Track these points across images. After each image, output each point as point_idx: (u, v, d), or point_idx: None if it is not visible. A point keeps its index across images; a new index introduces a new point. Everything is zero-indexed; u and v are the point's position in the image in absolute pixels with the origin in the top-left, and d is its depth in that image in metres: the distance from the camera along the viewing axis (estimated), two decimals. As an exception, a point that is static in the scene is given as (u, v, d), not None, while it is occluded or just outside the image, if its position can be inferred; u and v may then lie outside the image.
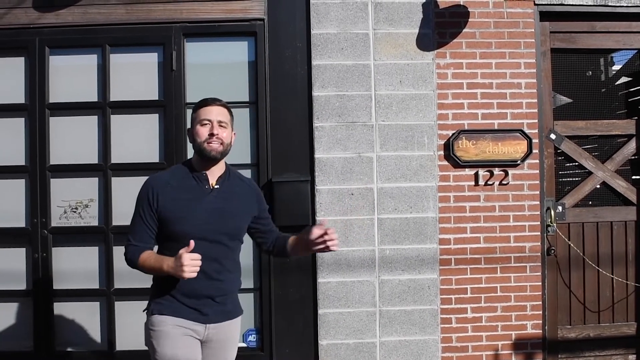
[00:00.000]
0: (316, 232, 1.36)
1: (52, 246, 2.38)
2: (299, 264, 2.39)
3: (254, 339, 2.45)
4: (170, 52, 2.40)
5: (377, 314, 2.39)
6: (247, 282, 2.42)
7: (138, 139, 2.43)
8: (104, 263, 2.41)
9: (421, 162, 2.41)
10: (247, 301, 2.44)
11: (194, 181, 1.39)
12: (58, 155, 2.41)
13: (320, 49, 2.42)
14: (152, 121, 2.43)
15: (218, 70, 2.50)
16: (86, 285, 2.41)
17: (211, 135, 1.35)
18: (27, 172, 2.39)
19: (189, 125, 2.07)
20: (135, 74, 2.45)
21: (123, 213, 2.35)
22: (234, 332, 1.49)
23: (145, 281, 2.16)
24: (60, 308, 2.42)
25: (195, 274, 1.27)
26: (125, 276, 2.37)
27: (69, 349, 2.40)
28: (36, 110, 2.39)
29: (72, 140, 2.41)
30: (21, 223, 2.39)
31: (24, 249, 2.41)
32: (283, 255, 1.57)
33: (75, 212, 2.41)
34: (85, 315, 2.43)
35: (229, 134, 1.41)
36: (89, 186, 2.40)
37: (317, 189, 2.39)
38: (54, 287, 2.39)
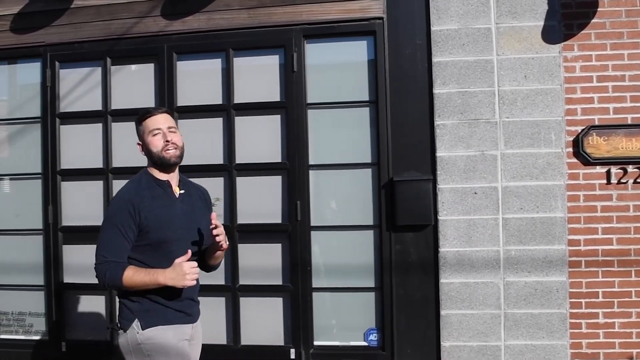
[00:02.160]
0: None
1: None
2: (421, 263, 3.43)
3: (375, 338, 3.53)
4: (291, 54, 3.54)
5: (501, 316, 3.39)
6: (368, 281, 3.52)
7: (261, 139, 3.48)
8: (229, 260, 3.49)
9: (548, 159, 3.37)
10: (367, 300, 3.53)
11: (160, 189, 1.94)
12: (185, 156, 3.64)
13: (440, 45, 3.47)
14: (274, 122, 3.52)
15: (337, 70, 3.58)
16: (212, 281, 3.62)
17: (167, 142, 1.92)
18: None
19: (310, 126, 3.27)
20: (258, 76, 3.54)
21: (248, 211, 3.55)
22: (200, 330, 2.12)
23: (266, 278, 3.37)
24: None
25: (195, 282, 1.83)
26: (251, 273, 3.58)
27: (195, 343, 3.64)
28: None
29: (199, 141, 3.48)
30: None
31: (154, 246, 3.70)
32: (204, 267, 2.16)
33: None
34: (211, 311, 3.63)
35: (179, 138, 1.98)
36: (215, 186, 3.48)
37: (439, 188, 3.43)
38: None
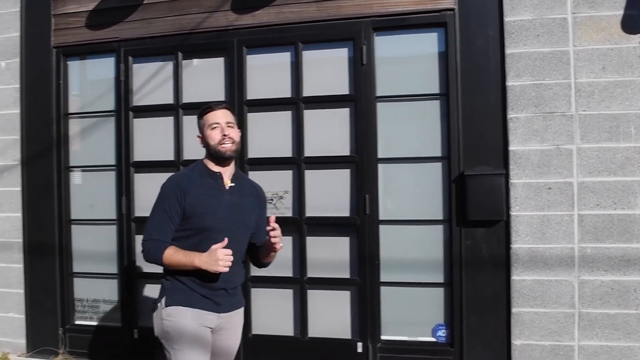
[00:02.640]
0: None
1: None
2: (492, 260, 3.67)
3: (444, 335, 3.79)
4: (360, 47, 3.81)
5: (575, 315, 3.58)
6: (436, 276, 3.79)
7: (330, 133, 3.72)
8: (297, 252, 3.82)
9: (627, 154, 3.50)
10: (436, 296, 3.79)
11: (211, 180, 2.21)
12: (255, 149, 4.00)
13: (514, 36, 3.67)
14: (343, 115, 3.80)
15: (407, 62, 3.83)
16: (280, 272, 3.99)
17: (224, 136, 2.19)
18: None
19: (379, 119, 3.56)
20: (326, 69, 3.82)
21: (316, 204, 3.87)
22: (239, 321, 2.36)
23: (333, 271, 3.69)
24: (257, 293, 3.93)
25: (227, 269, 2.05)
26: (319, 266, 3.92)
27: (263, 333, 4.00)
28: (235, 106, 3.94)
29: (268, 134, 3.80)
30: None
31: (224, 238, 4.09)
32: (257, 263, 2.51)
33: (270, 202, 3.96)
34: (279, 302, 3.96)
35: (237, 133, 2.24)
36: (284, 178, 3.81)
37: (512, 183, 3.65)
38: (252, 274, 3.98)
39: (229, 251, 2.06)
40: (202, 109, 2.30)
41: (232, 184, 2.26)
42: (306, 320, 3.74)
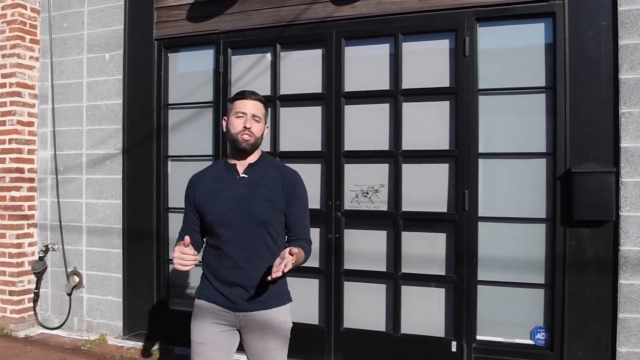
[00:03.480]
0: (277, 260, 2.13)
1: (344, 228, 4.64)
2: (598, 262, 3.99)
3: (543, 337, 4.20)
4: (463, 38, 4.27)
5: (690, 324, 3.89)
6: (537, 277, 4.19)
7: (428, 126, 4.15)
8: (392, 247, 4.35)
9: None
10: (536, 297, 4.20)
11: (225, 172, 2.38)
12: (352, 141, 4.60)
13: (628, 27, 3.98)
14: (442, 108, 4.18)
15: (511, 54, 4.20)
16: (374, 267, 4.57)
17: (244, 128, 2.31)
18: (323, 158, 4.46)
19: (480, 112, 4.02)
20: (427, 61, 4.26)
21: (413, 199, 4.39)
22: (271, 323, 2.33)
23: (428, 268, 4.17)
24: (349, 287, 4.58)
25: (184, 267, 2.14)
26: (413, 261, 4.46)
27: (355, 327, 4.59)
28: (332, 99, 4.56)
29: (365, 127, 4.28)
30: (316, 205, 4.57)
31: (318, 229, 4.69)
32: None
33: (366, 196, 4.57)
34: (372, 297, 4.52)
35: (260, 128, 2.37)
36: (380, 172, 4.29)
37: (622, 182, 3.94)
38: (345, 267, 4.63)
39: (187, 250, 2.17)
40: (236, 93, 2.46)
41: (245, 175, 2.40)
42: (399, 316, 4.26)
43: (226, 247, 2.30)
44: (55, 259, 5.29)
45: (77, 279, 5.11)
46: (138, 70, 4.89)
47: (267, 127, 2.54)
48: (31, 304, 5.33)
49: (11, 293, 5.21)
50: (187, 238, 2.20)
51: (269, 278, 2.12)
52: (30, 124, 5.32)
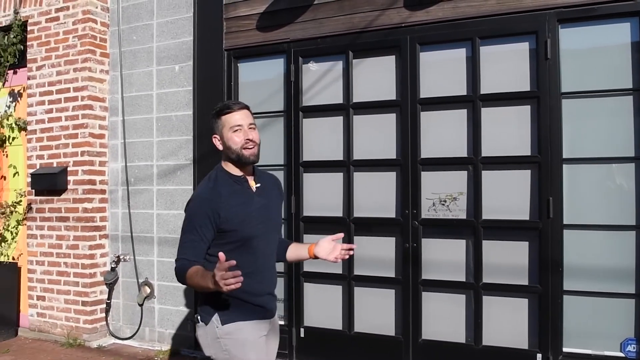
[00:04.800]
0: (328, 239, 2.54)
1: (422, 237, 4.65)
2: (695, 269, 3.95)
3: (634, 350, 4.05)
4: (544, 40, 4.21)
5: None
6: (627, 286, 4.01)
7: (509, 131, 4.09)
8: (472, 256, 4.29)
9: None
10: (626, 307, 4.01)
11: (237, 185, 2.37)
12: (429, 148, 4.62)
13: None
14: (523, 113, 4.13)
15: (595, 56, 4.09)
16: (453, 277, 4.55)
17: (247, 140, 2.35)
18: (398, 165, 4.46)
19: (564, 116, 3.96)
20: (505, 65, 4.21)
21: (493, 207, 4.35)
22: (277, 324, 2.63)
23: (511, 277, 4.11)
24: (428, 298, 4.61)
25: (234, 286, 1.96)
26: (494, 271, 4.43)
27: (434, 339, 4.58)
28: (408, 105, 4.56)
29: (442, 134, 4.27)
30: (392, 214, 4.59)
31: (394, 239, 4.72)
32: (281, 258, 2.66)
33: (443, 204, 4.57)
34: (451, 307, 4.50)
35: (257, 135, 2.42)
36: (458, 179, 4.27)
37: None
38: (423, 277, 4.63)
39: (225, 265, 2.01)
40: (218, 108, 2.42)
41: (258, 185, 2.47)
42: (480, 327, 4.24)
43: (257, 258, 2.36)
44: (126, 270, 5.47)
45: (148, 290, 5.26)
46: (208, 81, 5.03)
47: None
48: (103, 315, 5.52)
49: (84, 303, 5.41)
50: (221, 254, 2.08)
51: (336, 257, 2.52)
52: (102, 136, 5.53)
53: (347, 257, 2.52)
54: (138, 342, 5.35)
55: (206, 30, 5.06)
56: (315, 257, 2.56)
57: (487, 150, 4.17)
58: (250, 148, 2.40)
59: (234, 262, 2.01)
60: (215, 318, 2.34)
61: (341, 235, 2.57)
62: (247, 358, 2.33)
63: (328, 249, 2.52)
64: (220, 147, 2.46)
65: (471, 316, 4.22)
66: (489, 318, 4.17)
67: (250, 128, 2.42)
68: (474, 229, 4.17)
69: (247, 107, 2.48)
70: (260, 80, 4.98)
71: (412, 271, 4.33)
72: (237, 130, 2.38)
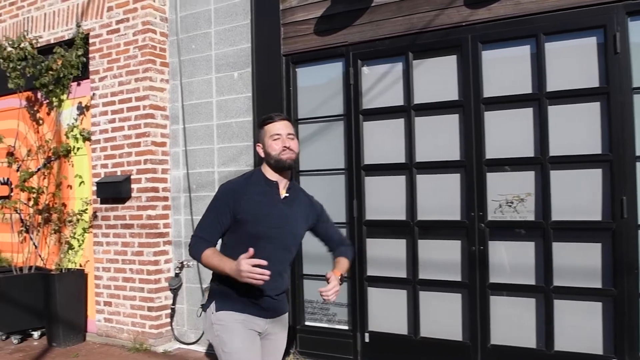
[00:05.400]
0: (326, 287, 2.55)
1: (488, 239, 4.59)
2: None
3: None
4: (613, 34, 4.07)
5: None
6: None
7: (577, 129, 4.00)
8: (541, 259, 4.17)
9: None
10: None
11: (267, 188, 2.55)
12: (493, 149, 4.56)
13: None
14: (592, 110, 4.01)
15: None
16: (522, 280, 4.45)
17: (284, 148, 2.52)
18: (463, 167, 4.40)
19: (637, 113, 3.83)
20: (572, 61, 4.05)
21: (563, 207, 4.25)
22: (284, 325, 2.71)
23: (583, 280, 4.00)
24: (496, 302, 4.49)
25: (256, 281, 2.26)
26: (566, 274, 4.33)
27: (503, 344, 4.51)
28: (471, 105, 4.50)
29: (507, 133, 4.19)
30: (457, 216, 4.55)
31: (459, 242, 4.65)
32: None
33: (510, 206, 4.51)
34: (521, 311, 4.38)
35: (296, 144, 2.59)
36: (525, 180, 4.19)
37: None
38: (490, 281, 4.56)
39: (255, 261, 2.29)
40: (262, 119, 2.67)
41: (287, 194, 2.62)
42: (552, 331, 4.14)
43: (264, 259, 2.38)
44: (190, 276, 5.60)
45: (212, 295, 5.35)
46: (267, 87, 5.10)
47: (298, 142, 2.73)
48: (168, 320, 5.66)
49: (150, 309, 5.55)
50: (251, 250, 2.33)
51: (326, 299, 2.56)
52: (163, 144, 5.68)
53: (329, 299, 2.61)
54: (203, 346, 5.47)
55: (264, 36, 5.14)
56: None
57: (555, 150, 4.10)
58: (287, 153, 2.56)
59: (264, 262, 2.30)
60: (213, 305, 2.54)
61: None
62: (232, 344, 2.48)
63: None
64: (262, 154, 2.63)
65: (542, 320, 4.14)
66: (561, 322, 4.09)
67: (288, 137, 2.58)
68: (544, 230, 4.09)
69: (287, 119, 2.65)
70: (319, 84, 5.02)
71: (479, 275, 4.27)
72: (276, 138, 2.55)
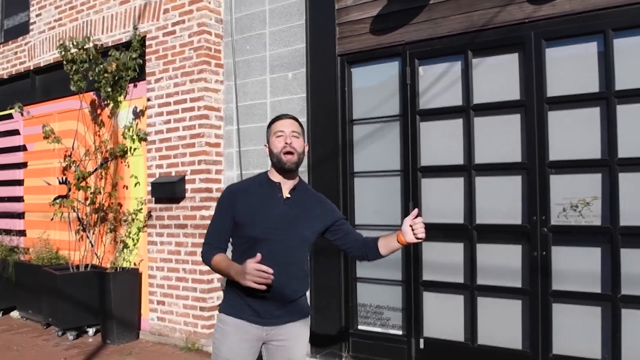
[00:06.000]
0: (407, 221, 2.46)
1: (551, 245, 4.44)
2: None
3: None
4: (690, 29, 3.99)
5: None
6: None
7: None
8: (608, 266, 3.97)
9: None
10: None
11: (268, 189, 2.51)
12: (558, 150, 4.43)
13: None
14: None
15: None
16: (587, 288, 4.28)
17: (286, 144, 2.44)
18: (524, 169, 4.27)
19: None
20: None
21: (632, 212, 4.08)
22: (296, 334, 2.56)
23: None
24: (559, 310, 4.31)
25: (258, 285, 2.22)
26: (635, 282, 4.15)
27: (566, 354, 4.30)
28: (534, 105, 4.35)
29: (572, 134, 4.04)
30: (518, 220, 4.40)
31: (520, 247, 4.49)
32: (377, 256, 2.64)
33: (575, 210, 4.33)
34: (586, 320, 4.19)
35: (301, 144, 2.51)
36: (592, 183, 4.02)
37: None
38: (553, 288, 4.41)
39: (260, 266, 2.24)
40: (273, 118, 2.64)
41: (289, 196, 2.55)
42: (619, 343, 3.94)
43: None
44: (242, 277, 5.58)
45: (264, 297, 5.35)
46: (321, 87, 5.08)
47: (307, 145, 2.65)
48: (221, 321, 5.66)
49: (202, 309, 5.60)
50: (259, 255, 2.29)
51: (421, 236, 2.47)
52: (217, 145, 5.72)
53: (422, 229, 2.49)
54: (254, 348, 5.43)
55: (318, 36, 5.12)
56: (408, 244, 2.55)
57: (624, 151, 3.91)
58: (289, 154, 2.50)
59: (270, 270, 2.26)
60: (221, 304, 2.62)
61: (416, 211, 2.55)
62: (220, 349, 2.52)
63: (410, 231, 2.49)
64: (267, 154, 2.60)
65: (608, 330, 3.98)
66: (630, 333, 3.90)
67: (292, 135, 2.52)
68: (611, 236, 3.92)
69: (294, 118, 2.60)
70: (374, 84, 4.98)
71: (542, 281, 4.13)
72: (280, 135, 2.51)
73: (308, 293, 4.67)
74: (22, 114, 6.95)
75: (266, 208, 2.50)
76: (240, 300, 2.49)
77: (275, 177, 2.57)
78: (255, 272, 2.24)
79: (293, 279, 2.52)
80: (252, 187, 2.58)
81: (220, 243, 2.56)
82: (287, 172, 2.54)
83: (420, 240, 2.48)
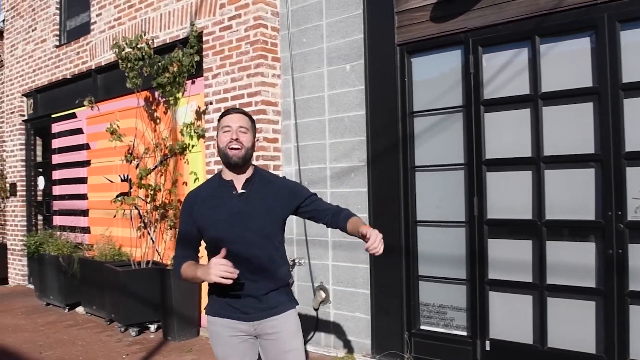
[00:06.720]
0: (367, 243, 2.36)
1: (628, 242, 4.19)
2: None
3: None
4: None
5: None
6: None
7: None
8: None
9: None
10: None
11: (222, 189, 2.52)
12: (634, 141, 4.16)
13: None
14: None
15: None
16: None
17: (232, 139, 2.44)
18: (598, 161, 3.99)
19: None
20: None
21: None
22: (284, 326, 2.57)
23: None
24: (637, 312, 3.96)
25: (225, 280, 2.26)
26: None
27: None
28: (608, 92, 4.10)
29: None
30: (591, 216, 4.16)
31: (593, 244, 4.26)
32: (342, 230, 2.64)
33: (637, 212, 4.10)
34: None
35: (249, 139, 2.51)
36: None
37: None
38: (630, 288, 4.17)
39: (224, 261, 2.32)
40: (222, 113, 2.65)
41: (244, 191, 2.56)
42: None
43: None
44: (301, 274, 5.59)
45: (323, 295, 5.33)
46: (380, 79, 4.98)
47: (257, 140, 2.66)
48: (280, 318, 5.65)
49: (261, 307, 5.57)
50: (223, 250, 2.37)
51: (375, 252, 2.39)
52: (275, 140, 5.71)
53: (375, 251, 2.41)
54: (314, 347, 5.44)
55: (377, 26, 5.03)
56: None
57: None
58: (235, 149, 2.49)
59: (230, 263, 2.35)
60: (206, 307, 2.66)
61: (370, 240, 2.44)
62: (215, 351, 2.62)
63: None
64: (217, 149, 2.58)
65: None
66: None
67: (240, 130, 2.52)
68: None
69: (244, 113, 2.60)
70: (435, 74, 4.85)
71: (617, 281, 3.91)
72: (227, 130, 2.51)
73: (367, 291, 4.64)
74: (92, 108, 7.10)
75: (221, 208, 2.53)
76: (219, 299, 2.55)
77: (227, 175, 2.59)
78: (219, 266, 2.28)
79: (261, 273, 2.53)
80: (206, 189, 2.63)
81: (189, 252, 2.61)
82: (235, 167, 2.54)
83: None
